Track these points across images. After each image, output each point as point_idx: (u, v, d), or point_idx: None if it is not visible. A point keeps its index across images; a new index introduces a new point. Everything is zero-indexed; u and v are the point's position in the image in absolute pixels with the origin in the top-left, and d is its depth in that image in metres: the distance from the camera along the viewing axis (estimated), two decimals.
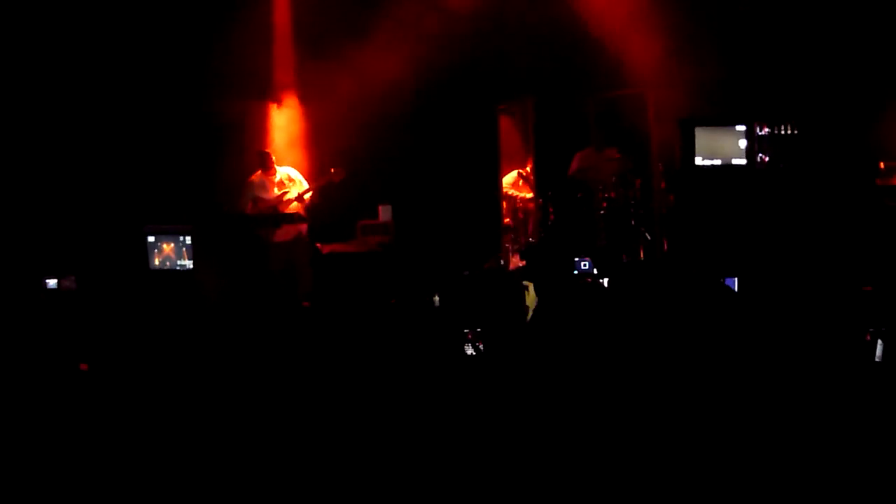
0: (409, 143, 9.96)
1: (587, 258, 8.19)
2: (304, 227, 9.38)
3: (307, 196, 9.33)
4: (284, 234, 9.30)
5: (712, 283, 7.35)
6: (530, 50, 9.78)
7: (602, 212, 9.33)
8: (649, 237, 9.29)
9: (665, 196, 9.36)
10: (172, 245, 8.85)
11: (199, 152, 9.69)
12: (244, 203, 9.40)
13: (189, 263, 8.81)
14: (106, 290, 8.72)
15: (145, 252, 8.89)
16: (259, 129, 9.88)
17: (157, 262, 8.89)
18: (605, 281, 8.05)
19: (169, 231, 8.93)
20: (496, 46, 9.75)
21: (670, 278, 7.85)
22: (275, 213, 9.31)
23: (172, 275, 8.86)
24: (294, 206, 9.32)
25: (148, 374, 6.43)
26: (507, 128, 10.17)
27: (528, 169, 10.12)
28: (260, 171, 9.40)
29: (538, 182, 9.85)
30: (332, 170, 9.29)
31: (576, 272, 8.17)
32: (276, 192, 9.30)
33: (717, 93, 9.04)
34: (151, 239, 8.91)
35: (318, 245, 9.46)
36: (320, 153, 9.86)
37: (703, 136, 8.78)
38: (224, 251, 9.00)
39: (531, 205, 9.94)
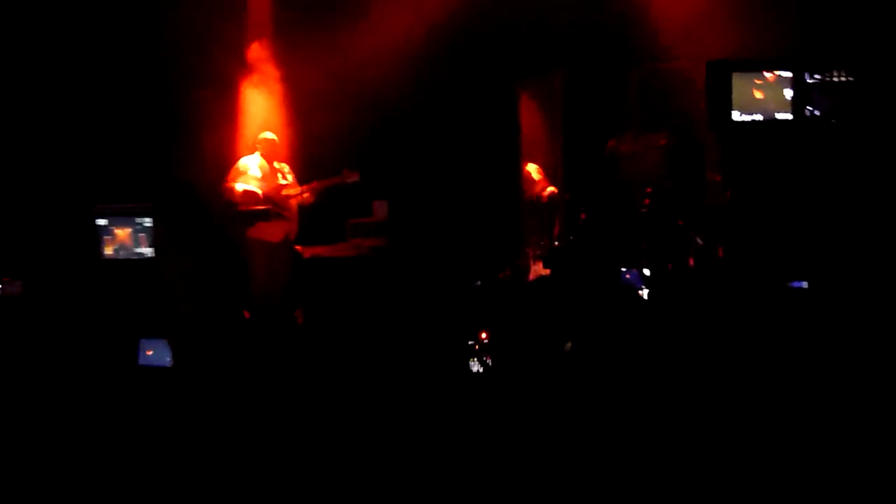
0: (410, 127, 9.14)
1: (633, 269, 7.91)
2: (292, 228, 8.52)
3: (304, 195, 8.49)
4: (273, 231, 8.39)
5: (775, 295, 7.16)
6: (557, 13, 8.95)
7: (643, 210, 8.48)
8: (701, 241, 8.36)
9: (721, 191, 8.39)
10: (128, 230, 8.04)
11: (159, 119, 8.83)
12: (231, 189, 8.35)
13: (149, 251, 8.02)
14: (55, 292, 8.05)
15: (96, 239, 8.04)
16: (230, 103, 8.99)
17: (109, 250, 8.05)
18: (644, 293, 7.79)
19: (123, 212, 8.08)
20: (515, 9, 8.96)
21: (727, 291, 7.56)
22: (272, 207, 8.39)
23: (128, 266, 8.06)
24: (291, 204, 8.50)
25: (103, 386, 6.43)
26: (530, 108, 9.45)
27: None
28: (261, 156, 8.50)
29: (566, 173, 9.09)
30: (345, 171, 8.39)
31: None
32: (276, 182, 8.42)
33: (757, 29, 8.20)
34: (102, 222, 8.05)
35: (299, 248, 8.57)
36: (303, 138, 8.98)
37: (740, 85, 7.99)
38: (195, 236, 8.30)
39: (557, 200, 9.17)
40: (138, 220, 8.04)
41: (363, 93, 8.82)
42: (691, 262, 8.36)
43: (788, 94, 7.86)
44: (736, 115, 7.90)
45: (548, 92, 9.34)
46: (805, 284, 7.32)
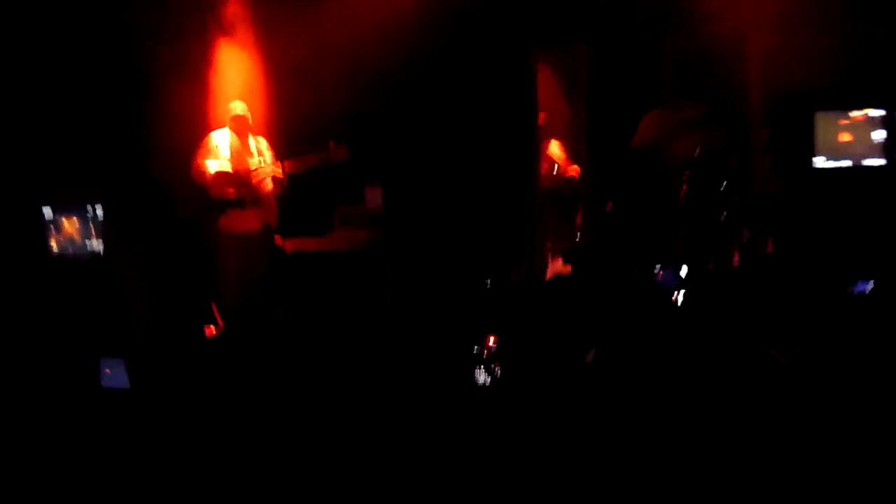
0: (410, 103, 8.70)
1: (668, 268, 7.61)
2: (271, 217, 8.05)
3: (280, 172, 8.05)
4: (248, 221, 7.88)
5: (834, 299, 6.81)
6: None
7: (680, 199, 8.15)
8: (748, 236, 8.18)
9: (771, 177, 8.21)
10: (76, 220, 7.41)
11: (112, 93, 8.24)
12: (201, 168, 7.87)
13: (98, 245, 7.41)
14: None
15: (42, 234, 7.43)
16: (200, 72, 8.42)
17: (56, 246, 7.39)
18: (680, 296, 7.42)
19: (70, 200, 7.42)
20: None
21: (778, 294, 7.05)
22: (244, 191, 7.89)
23: (76, 266, 7.44)
24: (267, 187, 8.00)
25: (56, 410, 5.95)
26: (549, 82, 9.06)
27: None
28: (232, 131, 8.00)
29: (591, 157, 8.72)
30: (332, 145, 7.97)
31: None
32: (252, 162, 7.90)
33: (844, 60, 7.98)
34: (48, 213, 7.39)
35: (280, 240, 8.12)
36: (285, 114, 8.50)
37: (825, 125, 7.92)
38: (154, 229, 7.75)
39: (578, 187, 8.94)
40: (88, 207, 7.39)
41: (356, 62, 8.41)
42: (736, 260, 8.16)
43: (880, 135, 7.77)
44: (820, 162, 7.83)
45: (569, 63, 8.97)
46: (870, 287, 6.96)
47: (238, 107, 7.96)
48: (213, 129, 8.03)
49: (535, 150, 8.81)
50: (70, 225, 7.44)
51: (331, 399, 6.15)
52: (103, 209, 7.38)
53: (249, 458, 5.40)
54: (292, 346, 7.27)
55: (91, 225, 7.41)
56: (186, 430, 5.73)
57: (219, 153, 7.80)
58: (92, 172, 7.77)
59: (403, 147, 8.72)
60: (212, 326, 7.67)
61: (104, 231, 7.37)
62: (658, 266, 7.59)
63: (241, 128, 7.94)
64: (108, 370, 6.47)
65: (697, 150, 8.20)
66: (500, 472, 5.04)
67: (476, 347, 6.38)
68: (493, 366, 6.32)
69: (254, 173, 7.84)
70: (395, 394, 6.16)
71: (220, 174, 7.70)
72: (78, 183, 7.60)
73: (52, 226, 7.42)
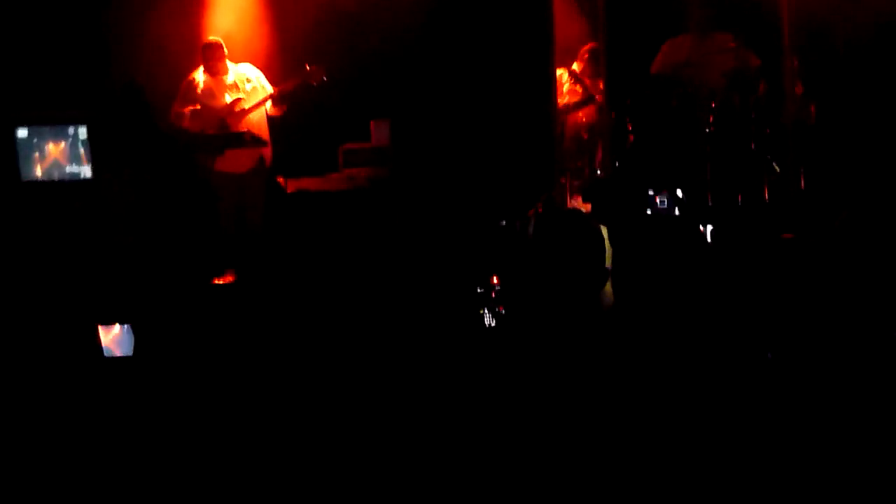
0: (416, 31, 8.47)
1: (665, 192, 7.37)
2: (265, 152, 8.00)
3: (270, 106, 7.96)
4: (236, 162, 7.83)
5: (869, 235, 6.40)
6: None
7: (708, 129, 7.83)
8: (778, 168, 7.90)
9: (804, 106, 8.02)
10: (62, 144, 7.25)
11: (101, 13, 8.06)
12: (179, 114, 7.88)
13: (86, 170, 7.23)
14: None
15: (14, 155, 7.26)
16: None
17: (38, 171, 7.24)
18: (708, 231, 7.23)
19: (52, 120, 7.28)
20: None
21: (810, 230, 6.96)
22: (224, 132, 7.80)
23: (61, 189, 7.31)
24: (256, 121, 7.89)
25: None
26: (565, 3, 8.77)
27: (578, 65, 8.71)
28: (204, 69, 7.91)
29: (610, 86, 8.38)
30: (308, 67, 7.88)
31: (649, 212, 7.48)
32: (229, 98, 7.80)
33: None
34: (23, 134, 7.19)
35: (281, 179, 8.01)
36: (285, 42, 8.40)
37: None
38: (145, 153, 7.58)
39: (596, 119, 8.68)
40: (72, 129, 7.24)
41: None
42: (766, 193, 7.83)
43: None
44: None
45: None
46: None
47: (211, 40, 7.86)
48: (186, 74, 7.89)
49: (551, 80, 8.54)
50: (55, 148, 7.29)
51: (335, 342, 6.11)
52: (89, 131, 7.24)
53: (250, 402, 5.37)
54: (294, 292, 7.24)
55: (78, 148, 7.26)
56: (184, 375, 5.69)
57: (192, 100, 7.70)
58: (78, 93, 7.60)
59: (412, 78, 8.54)
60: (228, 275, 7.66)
61: (92, 154, 7.24)
62: (652, 191, 7.42)
63: (214, 59, 7.84)
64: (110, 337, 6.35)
65: (725, 78, 7.95)
66: (501, 418, 4.93)
67: (481, 289, 6.29)
68: (497, 307, 6.24)
69: (238, 106, 7.73)
70: (400, 336, 6.14)
71: (191, 121, 7.64)
72: (62, 103, 7.44)
73: (29, 149, 7.24)
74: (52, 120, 7.27)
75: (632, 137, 8.07)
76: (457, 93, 8.54)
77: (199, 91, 7.89)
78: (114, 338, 6.24)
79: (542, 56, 8.48)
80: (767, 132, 7.95)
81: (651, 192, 7.48)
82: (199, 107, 7.78)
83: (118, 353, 6.13)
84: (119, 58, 8.00)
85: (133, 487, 4.65)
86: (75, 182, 7.27)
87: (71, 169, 7.29)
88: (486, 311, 6.29)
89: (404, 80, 8.58)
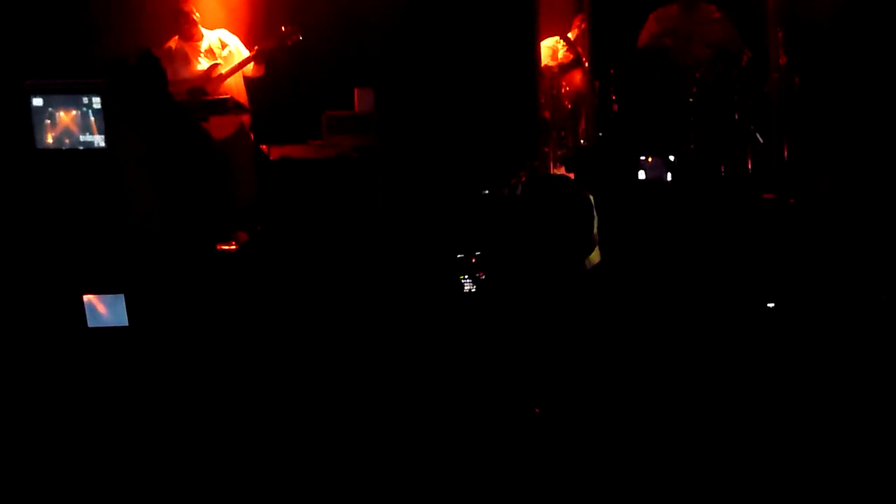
0: None
1: (657, 158, 7.42)
2: (245, 118, 7.94)
3: (248, 69, 7.86)
4: (216, 128, 7.76)
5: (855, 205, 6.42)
6: None
7: (691, 99, 7.89)
8: (762, 139, 7.94)
9: (787, 77, 7.99)
10: (74, 112, 7.02)
11: None
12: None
13: (100, 140, 7.02)
14: None
15: (29, 123, 7.04)
16: None
17: (49, 138, 7.04)
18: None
19: (66, 89, 7.04)
20: None
21: (794, 199, 7.04)
22: (201, 99, 7.68)
23: (74, 157, 7.07)
24: (235, 86, 7.82)
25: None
26: None
27: (573, 33, 8.72)
28: (177, 38, 7.85)
29: (594, 56, 8.40)
30: (283, 28, 7.83)
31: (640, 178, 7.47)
32: (203, 65, 7.75)
33: None
34: (38, 102, 6.99)
35: (264, 148, 7.93)
36: (263, 7, 8.32)
37: None
38: (159, 122, 7.32)
39: (583, 88, 8.63)
40: (86, 98, 7.01)
41: None
42: (749, 164, 7.87)
43: None
44: None
45: None
46: None
47: (181, 7, 7.78)
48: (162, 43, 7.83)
49: (535, 48, 8.45)
50: (67, 116, 7.12)
51: (319, 311, 6.11)
52: (104, 100, 7.03)
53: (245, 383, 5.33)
54: (277, 261, 7.16)
55: (91, 117, 7.08)
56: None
57: (169, 65, 7.59)
58: (92, 62, 7.45)
59: (395, 45, 8.45)
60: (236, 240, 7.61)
61: (105, 123, 7.04)
62: (643, 156, 7.45)
63: (186, 24, 7.75)
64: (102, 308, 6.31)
65: (709, 48, 7.97)
66: (483, 387, 4.85)
67: (461, 255, 6.26)
68: (477, 274, 6.21)
69: (209, 73, 7.66)
70: (385, 305, 6.08)
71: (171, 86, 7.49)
72: (77, 72, 7.26)
73: (43, 117, 7.08)
74: (67, 89, 7.13)
75: (616, 107, 8.05)
76: (441, 61, 8.47)
77: (171, 58, 7.81)
78: (106, 307, 6.25)
79: (527, 25, 8.34)
80: (751, 103, 7.95)
81: (642, 157, 7.47)
82: (175, 81, 7.71)
83: (111, 322, 6.10)
84: (133, 27, 7.90)
85: (125, 471, 4.58)
86: (88, 150, 7.16)
87: (84, 138, 7.17)
88: (466, 277, 6.26)
89: (388, 47, 8.46)
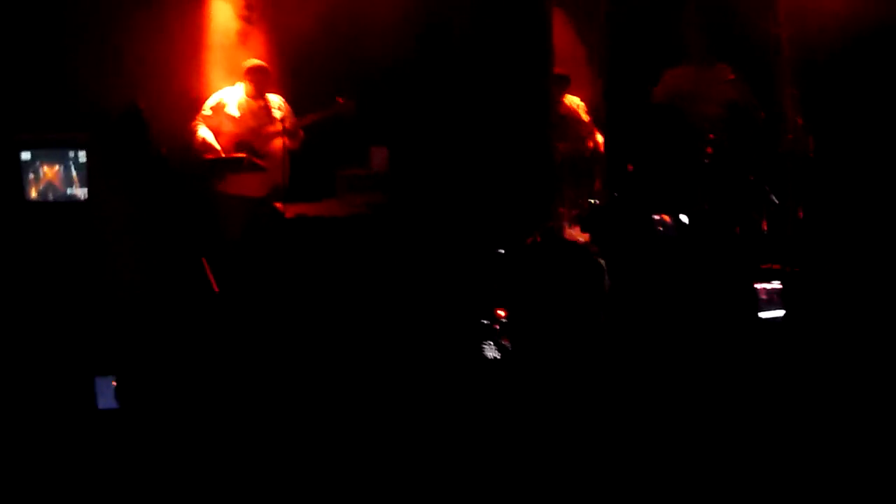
0: (414, 55, 8.33)
1: (668, 216, 7.49)
2: (278, 179, 7.96)
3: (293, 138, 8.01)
4: (253, 184, 7.81)
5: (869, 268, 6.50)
6: None
7: (706, 160, 8.02)
8: (776, 200, 8.01)
9: (802, 138, 8.12)
10: (56, 166, 7.19)
11: (94, 22, 7.89)
12: (194, 126, 7.81)
13: (82, 193, 7.17)
14: None
15: (19, 177, 7.22)
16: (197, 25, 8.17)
17: (33, 192, 7.19)
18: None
19: (52, 143, 7.20)
20: None
21: (809, 262, 7.14)
22: (247, 154, 7.78)
23: (57, 210, 7.22)
24: (277, 148, 7.90)
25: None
26: (564, 32, 8.82)
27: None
28: (247, 91, 7.93)
29: (610, 115, 8.50)
30: (340, 100, 7.95)
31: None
32: (260, 123, 7.90)
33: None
34: (26, 156, 7.14)
35: (279, 205, 7.91)
36: (283, 68, 8.23)
37: None
38: (140, 175, 7.47)
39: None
40: (71, 153, 7.14)
41: (358, 12, 8.00)
42: (764, 225, 8.07)
43: None
44: None
45: (588, 11, 8.77)
46: None
47: (256, 63, 7.88)
48: (221, 88, 7.84)
49: (549, 107, 8.50)
50: (51, 170, 7.23)
51: (332, 371, 6.00)
52: (88, 153, 7.15)
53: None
54: (292, 318, 7.08)
55: (73, 171, 7.19)
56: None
57: (224, 114, 7.69)
58: (77, 116, 7.46)
59: (410, 105, 8.37)
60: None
61: (88, 177, 7.14)
62: (656, 215, 7.48)
63: (259, 85, 7.86)
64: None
65: (723, 109, 8.04)
66: (507, 454, 4.82)
67: (486, 321, 6.17)
68: (502, 340, 6.09)
69: (262, 131, 7.74)
70: (400, 369, 5.98)
71: (205, 143, 7.64)
72: (61, 126, 7.33)
73: (31, 171, 7.18)
74: (54, 143, 7.25)
75: (630, 167, 8.13)
76: (455, 120, 8.32)
77: (236, 111, 7.88)
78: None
79: (540, 86, 8.35)
80: (765, 164, 8.04)
81: (655, 217, 7.50)
82: (231, 126, 7.80)
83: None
84: (120, 80, 7.78)
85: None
86: (71, 203, 7.23)
87: (66, 191, 7.28)
88: (490, 343, 6.18)
89: (404, 107, 8.41)
